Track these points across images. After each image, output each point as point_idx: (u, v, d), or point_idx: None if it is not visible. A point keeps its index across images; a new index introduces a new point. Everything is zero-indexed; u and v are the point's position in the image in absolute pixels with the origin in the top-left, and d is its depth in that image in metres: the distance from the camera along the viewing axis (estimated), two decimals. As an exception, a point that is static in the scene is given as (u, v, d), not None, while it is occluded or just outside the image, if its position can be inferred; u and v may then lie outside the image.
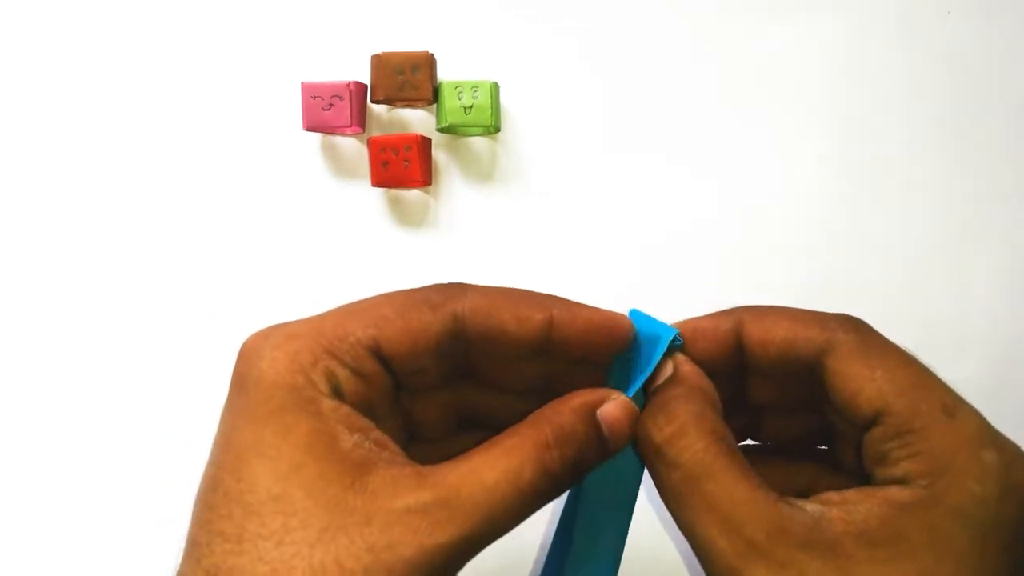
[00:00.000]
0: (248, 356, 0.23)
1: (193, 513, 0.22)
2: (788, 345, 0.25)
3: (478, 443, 0.23)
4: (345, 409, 0.22)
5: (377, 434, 0.23)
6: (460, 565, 0.21)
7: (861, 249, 0.42)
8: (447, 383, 0.27)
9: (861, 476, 0.25)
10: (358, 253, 0.42)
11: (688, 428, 0.23)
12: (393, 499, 0.21)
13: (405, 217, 0.42)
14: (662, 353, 0.25)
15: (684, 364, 0.25)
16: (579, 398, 0.24)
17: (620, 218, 0.42)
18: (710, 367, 0.26)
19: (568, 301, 0.25)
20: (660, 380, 0.25)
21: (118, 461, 0.42)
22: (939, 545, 0.21)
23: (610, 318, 0.25)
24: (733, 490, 0.22)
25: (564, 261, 0.42)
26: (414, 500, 0.21)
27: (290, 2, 0.42)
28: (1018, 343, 0.42)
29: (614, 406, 0.24)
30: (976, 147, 0.42)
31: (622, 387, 0.25)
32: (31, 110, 0.42)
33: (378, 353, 0.23)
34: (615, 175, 0.42)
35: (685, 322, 0.26)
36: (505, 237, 0.42)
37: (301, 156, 0.42)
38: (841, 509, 0.22)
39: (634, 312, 0.26)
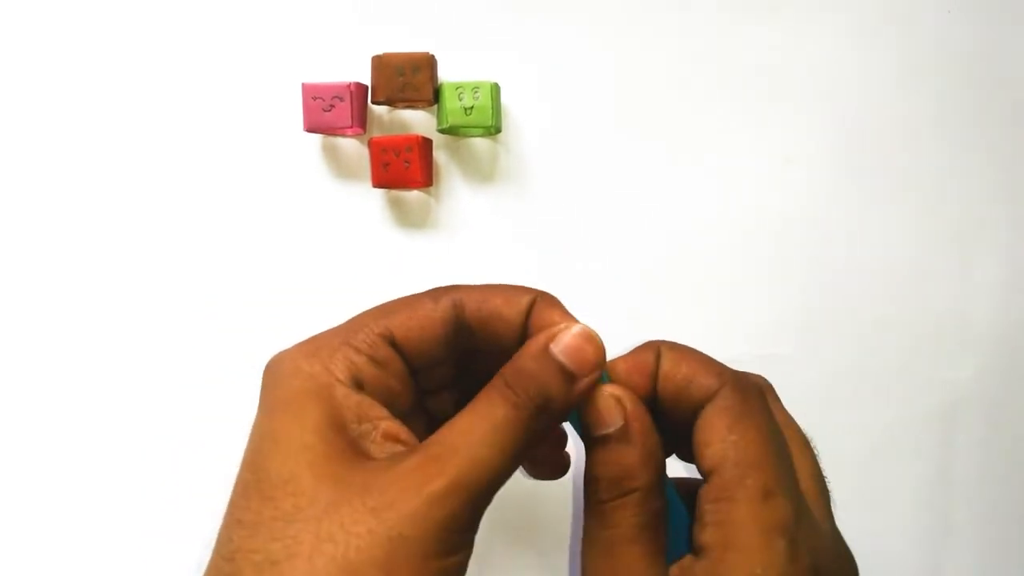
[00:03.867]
0: (272, 363, 0.25)
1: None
2: (686, 384, 0.26)
3: None
4: (358, 398, 0.24)
5: (388, 424, 0.24)
6: (466, 515, 0.22)
7: (862, 248, 0.42)
8: (461, 387, 0.28)
9: None
10: (359, 254, 0.42)
11: (639, 499, 0.24)
12: (390, 467, 0.22)
13: (406, 218, 0.42)
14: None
15: (636, 420, 0.25)
16: (534, 339, 0.25)
17: (621, 219, 0.42)
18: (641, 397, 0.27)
19: (554, 299, 0.27)
20: (610, 427, 0.25)
21: (117, 461, 0.42)
22: None
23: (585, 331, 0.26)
24: (645, 564, 0.24)
25: (565, 262, 0.42)
26: (407, 463, 0.22)
27: (290, 3, 0.42)
28: (1020, 342, 0.42)
29: (565, 337, 0.25)
30: (977, 145, 0.42)
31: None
32: (32, 112, 0.42)
33: (391, 341, 0.25)
34: (616, 176, 0.42)
35: (614, 361, 0.27)
36: (506, 238, 0.42)
37: (302, 157, 0.42)
38: None
39: None
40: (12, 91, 0.42)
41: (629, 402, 0.25)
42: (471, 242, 0.42)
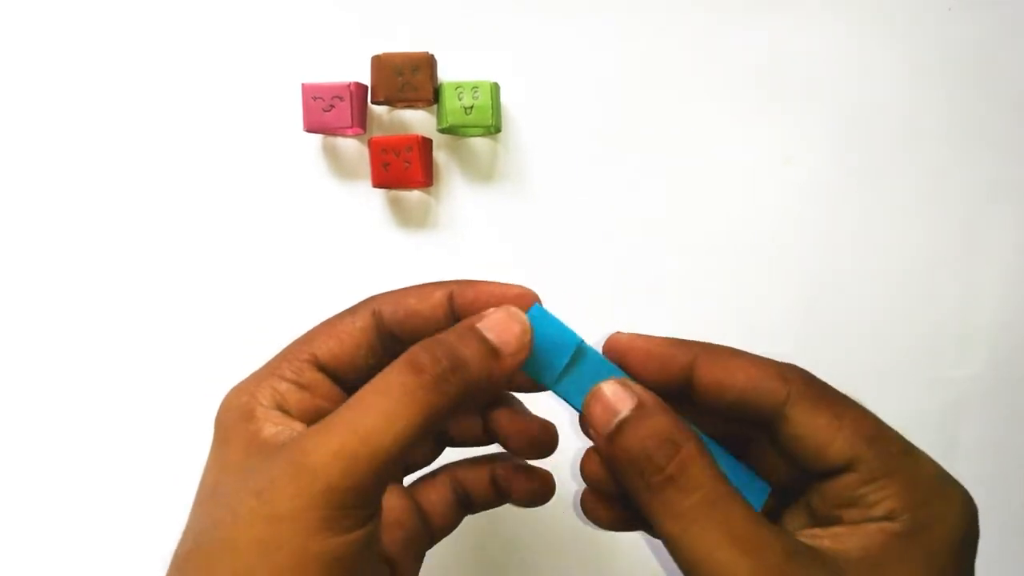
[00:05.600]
0: (218, 407, 0.26)
1: None
2: (747, 393, 0.25)
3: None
4: (277, 413, 0.25)
5: (302, 427, 0.24)
6: (351, 488, 0.22)
7: (862, 248, 0.42)
8: None
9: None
10: (359, 254, 0.42)
11: (695, 454, 0.23)
12: (279, 450, 0.23)
13: (406, 218, 0.42)
14: (567, 358, 0.26)
15: (645, 393, 0.25)
16: (463, 320, 0.25)
17: (620, 219, 0.42)
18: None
19: (474, 280, 0.27)
20: (625, 409, 0.24)
21: (117, 462, 0.42)
22: (933, 566, 0.23)
23: (513, 291, 0.26)
24: (748, 515, 0.23)
25: (564, 262, 0.42)
26: (292, 442, 0.23)
27: (290, 4, 0.42)
28: (1022, 341, 0.42)
29: (492, 313, 0.25)
30: (978, 144, 0.42)
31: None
32: (32, 113, 0.42)
33: (318, 364, 0.26)
34: (615, 175, 0.42)
35: (635, 338, 0.26)
36: (506, 237, 0.42)
37: (302, 157, 0.42)
38: (832, 541, 0.23)
39: (538, 310, 0.26)
40: (13, 92, 0.42)
41: (634, 384, 0.25)
42: (471, 242, 0.42)
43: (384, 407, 0.22)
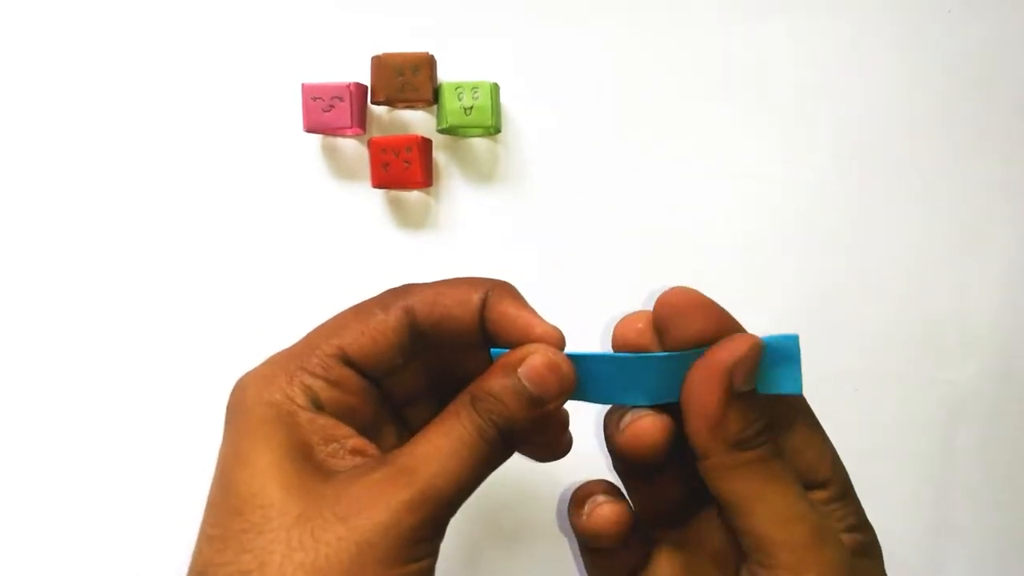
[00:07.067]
0: (235, 390, 0.25)
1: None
2: (775, 399, 0.26)
3: None
4: (322, 420, 0.25)
5: (355, 441, 0.25)
6: (432, 524, 0.23)
7: (863, 249, 0.42)
8: (439, 396, 0.28)
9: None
10: (359, 254, 0.42)
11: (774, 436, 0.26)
12: (358, 478, 0.23)
13: (406, 218, 0.42)
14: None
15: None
16: (502, 359, 0.25)
17: (620, 219, 0.42)
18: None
19: (507, 295, 0.26)
20: (745, 388, 0.25)
21: (117, 467, 0.42)
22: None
23: (537, 330, 0.26)
24: (802, 491, 0.26)
25: (565, 262, 0.42)
26: (377, 474, 0.23)
27: (290, 4, 0.42)
28: (1020, 343, 0.42)
29: (534, 359, 0.25)
30: (977, 146, 0.42)
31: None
32: (31, 112, 0.42)
33: (346, 359, 0.26)
34: (615, 176, 0.42)
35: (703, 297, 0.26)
36: (505, 238, 0.42)
37: (301, 158, 0.42)
38: None
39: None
40: (13, 92, 0.42)
41: None
42: (471, 242, 0.42)
43: (463, 455, 0.24)
